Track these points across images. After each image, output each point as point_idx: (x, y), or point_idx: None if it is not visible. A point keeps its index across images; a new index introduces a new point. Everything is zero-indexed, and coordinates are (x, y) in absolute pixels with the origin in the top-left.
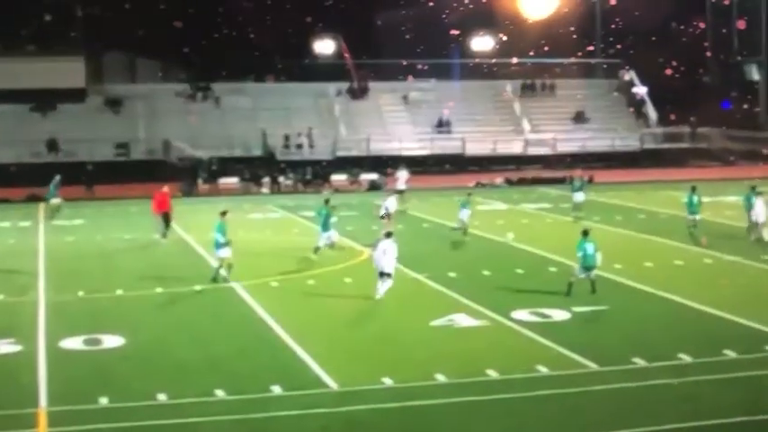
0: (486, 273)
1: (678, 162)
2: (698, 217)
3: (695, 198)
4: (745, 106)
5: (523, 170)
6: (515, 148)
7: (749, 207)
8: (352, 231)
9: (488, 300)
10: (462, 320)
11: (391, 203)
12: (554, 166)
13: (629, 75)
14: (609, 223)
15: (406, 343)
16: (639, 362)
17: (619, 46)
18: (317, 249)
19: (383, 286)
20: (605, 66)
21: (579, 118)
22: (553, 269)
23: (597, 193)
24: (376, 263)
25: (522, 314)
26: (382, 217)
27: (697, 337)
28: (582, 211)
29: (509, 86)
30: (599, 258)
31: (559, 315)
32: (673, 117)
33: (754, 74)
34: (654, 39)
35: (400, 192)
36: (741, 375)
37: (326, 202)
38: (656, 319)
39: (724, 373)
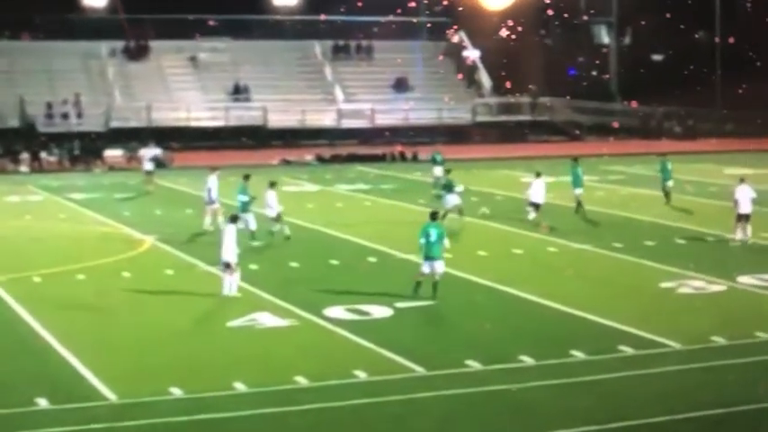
0: (294, 264)
1: (516, 137)
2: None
3: (579, 170)
4: (594, 73)
5: (337, 146)
6: (327, 119)
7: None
8: (131, 217)
9: (297, 296)
10: (266, 320)
11: (213, 183)
12: (372, 140)
13: (458, 36)
14: (435, 206)
15: (198, 348)
16: (473, 365)
17: (445, 2)
18: (253, 235)
19: (230, 280)
20: (430, 25)
21: (401, 86)
22: (372, 259)
23: (419, 173)
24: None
25: (336, 311)
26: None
27: (540, 336)
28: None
29: (318, 48)
30: (446, 245)
31: (380, 312)
32: (509, 85)
33: (604, 36)
34: None
35: (149, 173)
36: (590, 379)
37: (246, 178)
38: (491, 315)
39: (571, 377)
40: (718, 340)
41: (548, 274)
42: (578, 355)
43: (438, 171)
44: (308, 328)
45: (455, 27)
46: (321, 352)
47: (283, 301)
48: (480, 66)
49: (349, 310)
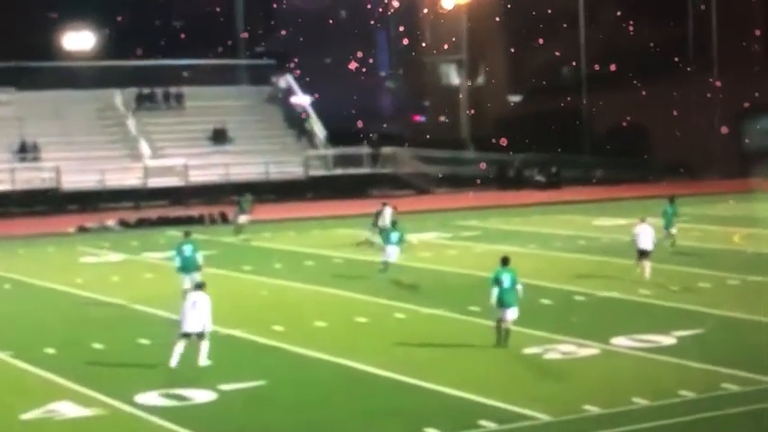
0: (97, 346)
1: (356, 192)
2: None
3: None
4: (443, 119)
5: (144, 208)
6: (131, 179)
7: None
8: None
9: (102, 381)
10: (67, 410)
11: None
12: (186, 201)
13: (285, 80)
14: (265, 273)
15: None
16: None
17: (263, 43)
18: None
19: (202, 350)
20: (251, 68)
21: (219, 137)
22: None
23: (249, 234)
24: (182, 321)
25: (150, 397)
26: None
27: (389, 414)
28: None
29: (119, 97)
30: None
31: (201, 396)
32: (346, 134)
33: (454, 77)
34: (317, 32)
35: None
36: None
37: (187, 234)
38: (332, 393)
39: None
40: (592, 409)
41: (395, 344)
42: None
43: (243, 219)
44: (117, 417)
45: (279, 70)
46: None
47: (87, 387)
48: (313, 114)
49: (165, 395)
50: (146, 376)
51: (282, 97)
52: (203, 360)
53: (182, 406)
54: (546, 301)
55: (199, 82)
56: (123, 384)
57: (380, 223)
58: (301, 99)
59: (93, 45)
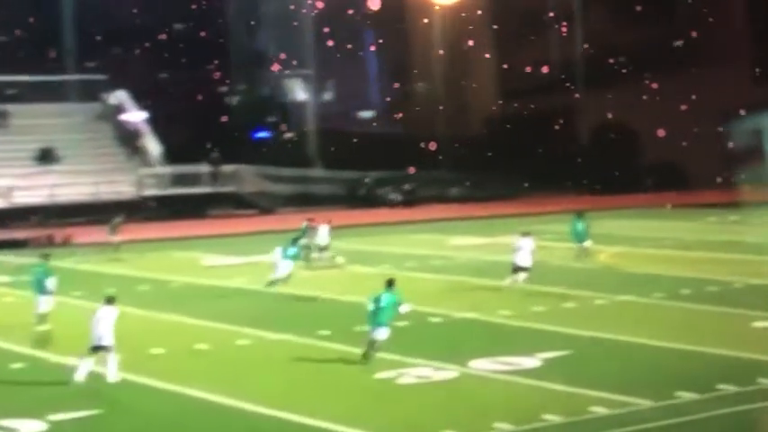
0: None
1: (194, 212)
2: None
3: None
4: (289, 135)
5: None
6: None
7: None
8: None
9: None
10: None
11: None
12: (11, 224)
13: (117, 96)
14: (95, 299)
15: None
16: None
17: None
18: (42, 317)
19: (110, 365)
20: (80, 84)
21: (46, 157)
22: (18, 365)
23: (76, 259)
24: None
25: None
26: None
27: None
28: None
29: None
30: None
31: (30, 427)
32: (185, 152)
33: (300, 92)
34: (150, 45)
35: None
36: None
37: (45, 257)
38: (170, 423)
39: None
40: None
41: (239, 371)
42: None
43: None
44: None
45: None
46: None
47: None
48: (147, 130)
49: None
50: None
51: (113, 114)
52: (113, 375)
53: None
54: (399, 323)
55: (24, 99)
56: None
57: (317, 240)
58: (134, 116)
59: None
